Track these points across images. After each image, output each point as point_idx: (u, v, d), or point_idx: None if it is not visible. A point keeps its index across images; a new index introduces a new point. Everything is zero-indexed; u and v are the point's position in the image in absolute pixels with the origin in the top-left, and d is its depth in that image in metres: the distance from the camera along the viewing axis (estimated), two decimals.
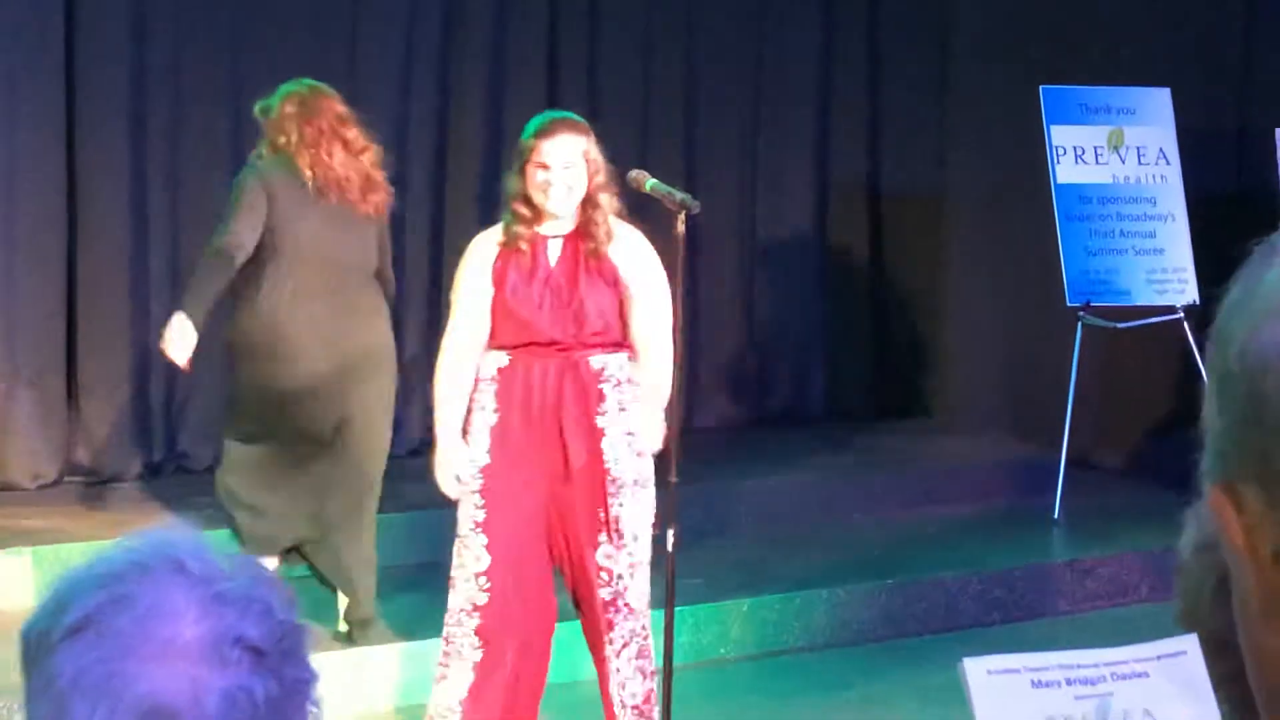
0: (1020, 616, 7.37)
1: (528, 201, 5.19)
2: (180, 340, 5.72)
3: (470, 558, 5.23)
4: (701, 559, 6.96)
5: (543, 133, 5.20)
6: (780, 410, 9.78)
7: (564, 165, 5.14)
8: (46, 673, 1.38)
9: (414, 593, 6.64)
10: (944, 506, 8.46)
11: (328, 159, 5.81)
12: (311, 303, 5.82)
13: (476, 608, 5.23)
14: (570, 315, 5.22)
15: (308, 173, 5.80)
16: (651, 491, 5.25)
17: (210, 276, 5.81)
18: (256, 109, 5.96)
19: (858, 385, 10.06)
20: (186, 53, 7.92)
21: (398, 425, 8.37)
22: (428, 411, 8.37)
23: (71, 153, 7.64)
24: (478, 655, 5.24)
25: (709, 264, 9.46)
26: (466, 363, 5.26)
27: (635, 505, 5.21)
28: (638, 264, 5.25)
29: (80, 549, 6.02)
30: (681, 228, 5.06)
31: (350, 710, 5.89)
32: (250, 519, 5.98)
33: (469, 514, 5.24)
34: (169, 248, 7.91)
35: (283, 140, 5.82)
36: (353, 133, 5.93)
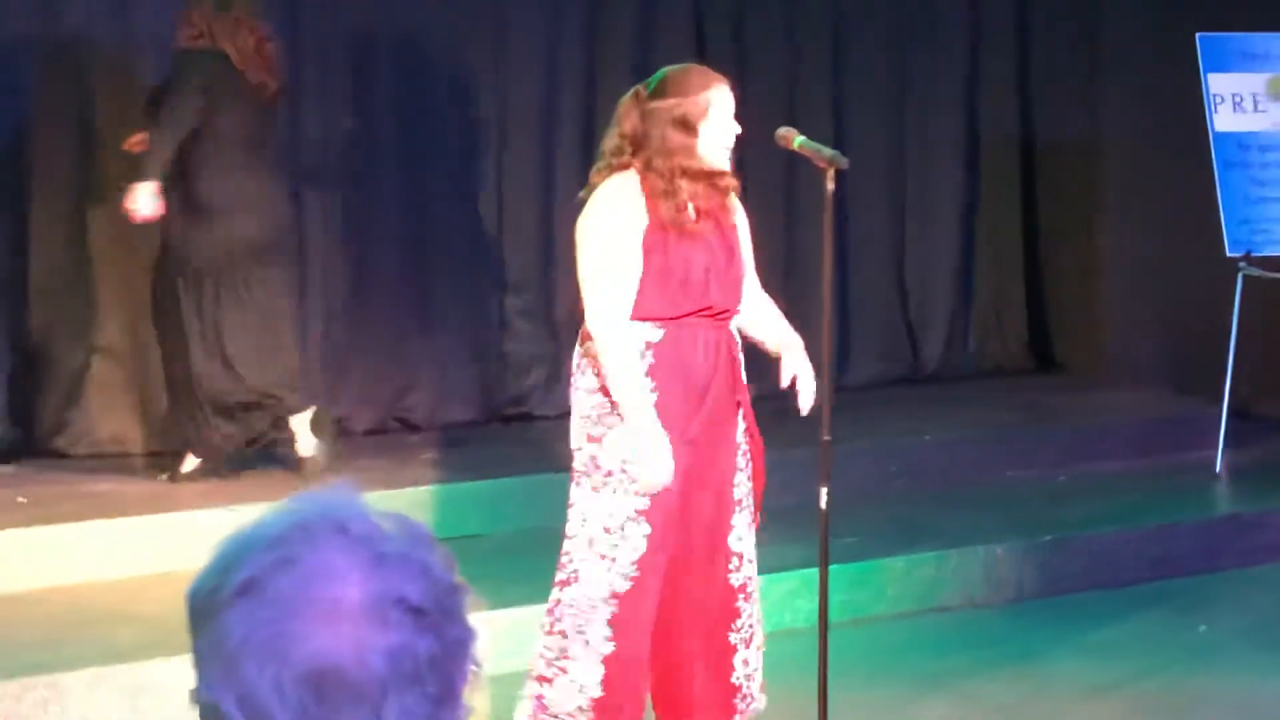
0: (1181, 572, 7.27)
1: (690, 159, 4.79)
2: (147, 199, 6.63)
3: (628, 548, 4.80)
4: (855, 517, 6.94)
5: (707, 82, 4.84)
6: (933, 367, 9.72)
7: (733, 114, 4.88)
8: (215, 634, 1.40)
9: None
10: (1102, 462, 8.37)
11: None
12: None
13: (615, 596, 4.81)
14: (731, 281, 4.91)
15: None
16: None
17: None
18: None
19: (1012, 340, 9.97)
20: (336, 15, 8.00)
21: (550, 386, 8.51)
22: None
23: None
24: (609, 648, 4.83)
25: (859, 220, 9.40)
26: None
27: (756, 483, 5.01)
28: (742, 219, 5.04)
29: (240, 511, 6.12)
30: (831, 185, 4.96)
31: (491, 670, 5.91)
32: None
33: (629, 502, 4.79)
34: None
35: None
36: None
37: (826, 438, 5.01)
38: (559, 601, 4.90)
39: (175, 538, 6.47)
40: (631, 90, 4.95)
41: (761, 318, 5.11)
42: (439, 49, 8.22)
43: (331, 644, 1.38)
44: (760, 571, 5.13)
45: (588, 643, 4.83)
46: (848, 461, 6.79)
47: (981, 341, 9.90)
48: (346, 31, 8.02)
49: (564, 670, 4.86)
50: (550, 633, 4.91)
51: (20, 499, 6.81)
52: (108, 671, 5.48)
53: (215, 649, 1.40)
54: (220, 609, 1.40)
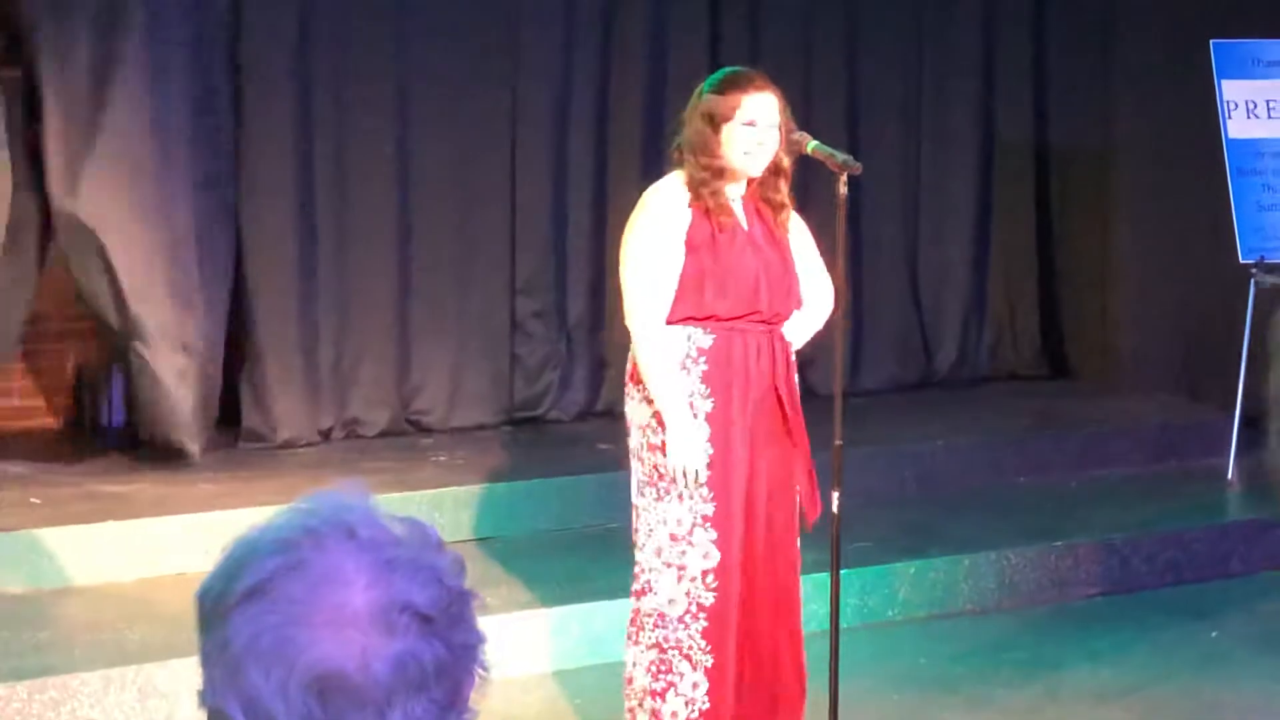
0: (1193, 579, 7.27)
1: (721, 160, 4.86)
2: None
3: (696, 555, 4.84)
4: (868, 522, 6.93)
5: (745, 86, 4.90)
6: (946, 371, 9.71)
7: (769, 124, 4.88)
8: (221, 636, 1.41)
9: (570, 557, 6.71)
10: (1114, 468, 8.37)
11: None
12: None
13: (703, 609, 4.86)
14: (785, 287, 4.95)
15: None
16: None
17: None
18: None
19: (1025, 346, 9.96)
20: (348, 15, 8.00)
21: (563, 389, 8.51)
22: (594, 372, 8.54)
23: (239, 115, 7.73)
24: (709, 660, 4.88)
25: (873, 225, 9.40)
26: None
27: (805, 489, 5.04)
28: (800, 227, 5.11)
29: (248, 515, 6.14)
30: (844, 189, 4.99)
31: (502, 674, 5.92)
32: None
33: (694, 508, 4.83)
34: (334, 214, 8.01)
35: None
36: None
37: (839, 442, 5.02)
38: (638, 611, 4.95)
39: (186, 539, 6.49)
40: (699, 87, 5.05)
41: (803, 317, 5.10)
42: (451, 49, 8.21)
43: (337, 650, 1.38)
44: None
45: (689, 657, 4.88)
46: (860, 466, 6.79)
47: (995, 347, 9.89)
48: (357, 31, 8.01)
49: (673, 685, 4.91)
50: (641, 645, 4.95)
51: (33, 500, 6.82)
52: (118, 673, 5.49)
53: (221, 652, 1.40)
54: (227, 612, 1.41)
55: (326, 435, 8.02)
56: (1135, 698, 5.99)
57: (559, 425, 8.47)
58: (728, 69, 5.13)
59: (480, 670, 1.45)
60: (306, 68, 7.90)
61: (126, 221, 7.13)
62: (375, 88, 8.08)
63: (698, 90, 5.02)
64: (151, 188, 7.21)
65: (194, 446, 7.41)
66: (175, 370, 7.28)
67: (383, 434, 8.16)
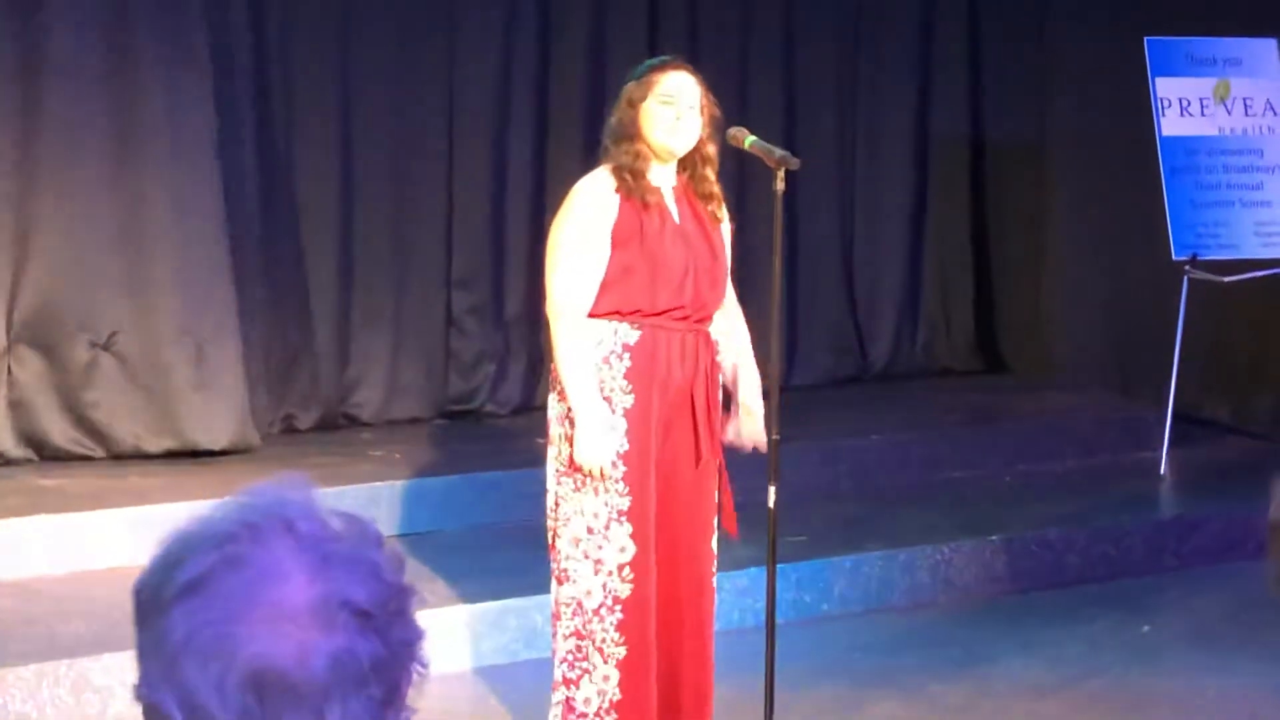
0: (1127, 573, 7.32)
1: (641, 143, 4.85)
2: None
3: (612, 549, 4.83)
4: (803, 517, 6.95)
5: (661, 67, 4.93)
6: (881, 367, 9.75)
7: (689, 105, 4.86)
8: (158, 631, 1.40)
9: (491, 552, 6.70)
10: (1048, 463, 8.42)
11: None
12: None
13: (619, 601, 4.84)
14: (712, 280, 4.93)
15: None
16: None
17: None
18: None
19: (960, 341, 10.02)
20: (292, 43, 7.98)
21: (498, 384, 8.51)
22: (531, 367, 8.53)
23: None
24: (621, 653, 4.86)
25: (808, 220, 9.43)
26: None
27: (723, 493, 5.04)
28: (727, 223, 5.08)
29: (183, 509, 6.10)
30: (781, 185, 4.98)
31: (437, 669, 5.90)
32: None
33: (609, 502, 4.83)
34: (279, 203, 7.98)
35: None
36: None
37: (775, 436, 5.03)
38: (558, 601, 4.94)
39: (122, 533, 6.44)
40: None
41: (730, 346, 5.09)
42: (389, 42, 8.20)
43: (274, 646, 1.37)
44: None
45: (601, 649, 4.88)
46: (796, 461, 6.80)
47: (929, 342, 9.94)
48: (297, 26, 7.98)
49: (587, 672, 4.90)
50: (560, 634, 4.94)
51: None
52: (52, 667, 5.44)
53: (157, 647, 1.39)
54: (164, 606, 1.39)
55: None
56: (1068, 691, 6.02)
57: (495, 419, 8.46)
58: (655, 58, 5.14)
59: (419, 667, 1.45)
60: (250, 62, 7.86)
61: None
62: (314, 82, 8.05)
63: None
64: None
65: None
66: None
67: (317, 428, 8.13)
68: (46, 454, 7.36)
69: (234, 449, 7.47)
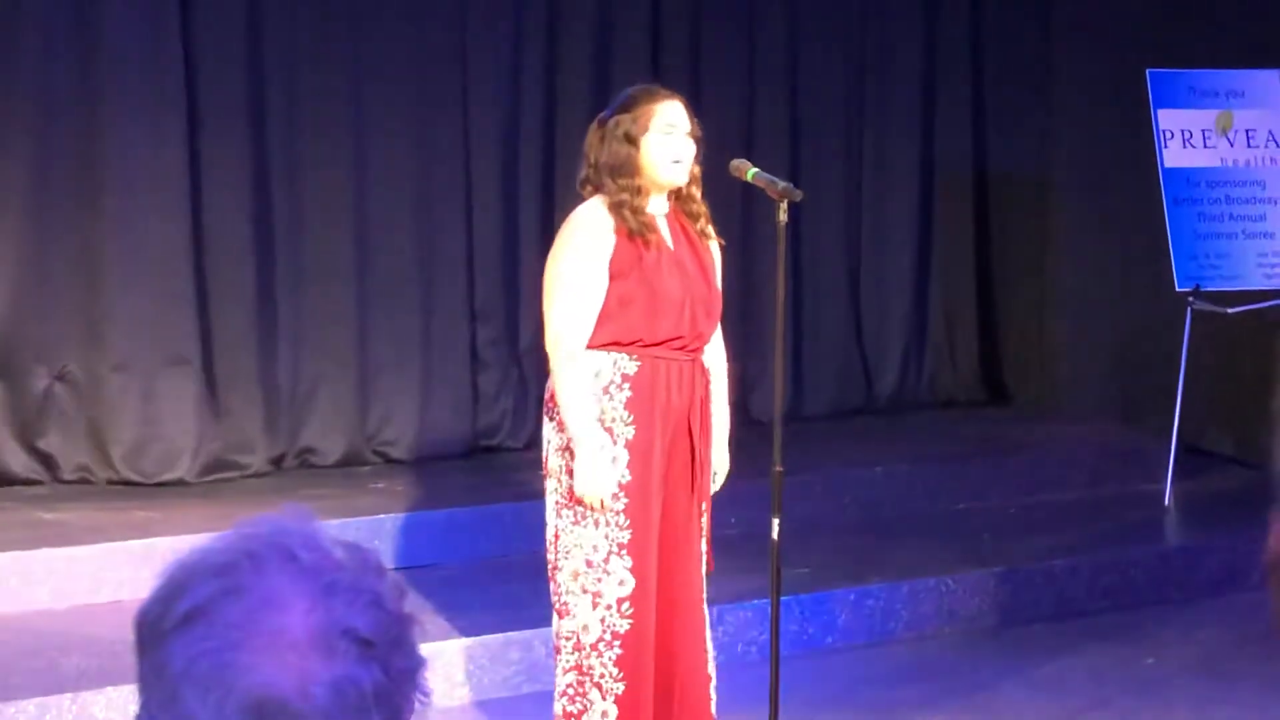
0: (1131, 604, 7.30)
1: (641, 178, 4.84)
2: None
3: (612, 583, 4.82)
4: (807, 548, 6.95)
5: (653, 96, 4.88)
6: (886, 397, 9.75)
7: (686, 131, 4.85)
8: (158, 660, 1.40)
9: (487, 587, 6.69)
10: (1053, 493, 8.41)
11: None
12: None
13: (617, 636, 4.83)
14: (708, 308, 4.93)
15: None
16: None
17: None
18: None
19: (965, 372, 10.01)
20: (302, 47, 8.00)
21: (511, 417, 8.49)
22: (538, 403, 8.52)
23: (195, 149, 7.73)
24: (620, 688, 4.84)
25: (815, 252, 9.44)
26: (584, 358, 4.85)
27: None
28: (715, 244, 5.07)
29: (191, 540, 6.10)
30: (784, 217, 4.99)
31: (441, 701, 5.89)
32: None
33: (610, 535, 4.81)
34: (293, 238, 8.00)
35: None
36: None
37: (779, 468, 5.02)
38: (559, 634, 4.93)
39: (124, 566, 6.44)
40: (596, 119, 5.00)
41: (711, 392, 5.06)
42: (400, 79, 8.22)
43: (275, 675, 1.37)
44: (711, 602, 5.15)
45: (600, 685, 4.86)
46: (800, 492, 6.80)
47: (935, 373, 9.93)
48: (309, 60, 8.01)
49: (585, 710, 4.89)
50: (560, 668, 4.93)
51: None
52: (55, 701, 5.44)
53: (158, 676, 1.39)
54: (165, 636, 1.39)
55: (278, 463, 8.00)
56: None
57: (509, 453, 8.45)
58: (626, 91, 5.06)
59: (420, 696, 1.44)
60: (261, 101, 7.89)
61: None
62: (330, 114, 8.07)
63: (596, 121, 4.97)
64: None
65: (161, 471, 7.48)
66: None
67: (339, 463, 8.13)
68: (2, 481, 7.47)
69: (177, 482, 7.53)
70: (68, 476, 7.56)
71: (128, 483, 7.53)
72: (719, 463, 5.08)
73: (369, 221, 8.20)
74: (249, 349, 7.88)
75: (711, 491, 5.05)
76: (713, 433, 5.04)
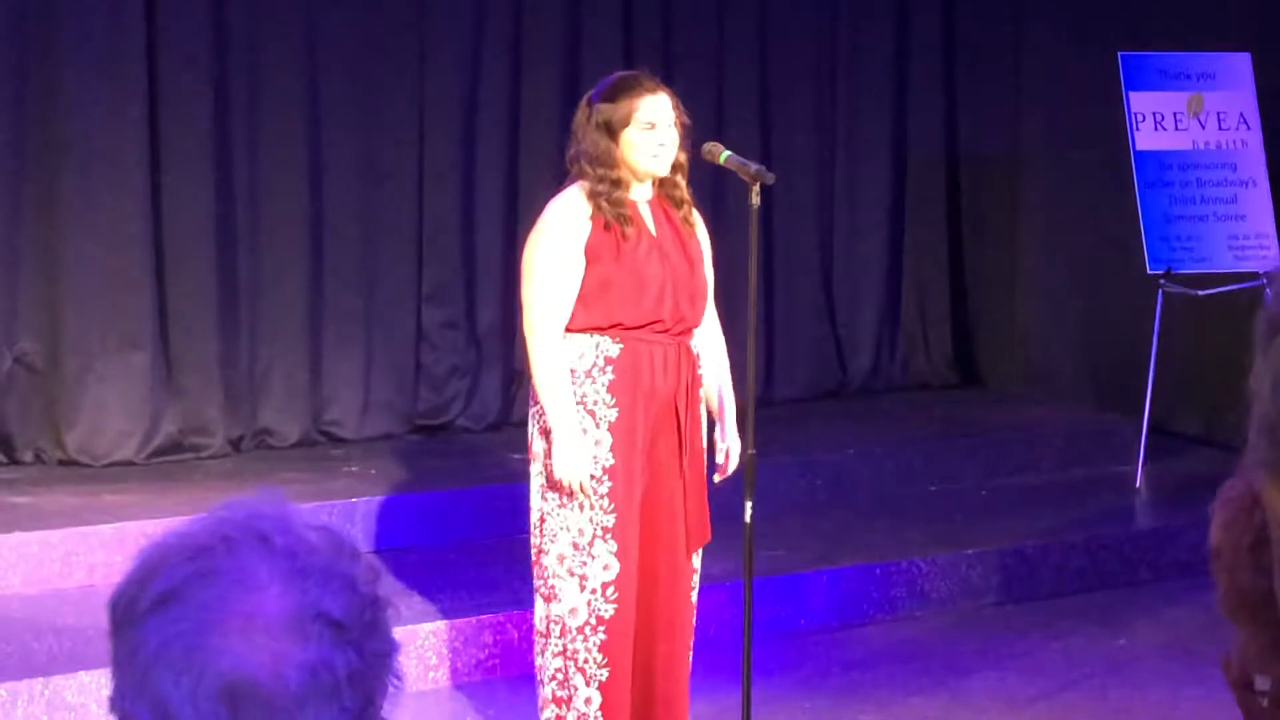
0: (1102, 585, 7.33)
1: (619, 167, 4.85)
2: None
3: (596, 567, 4.82)
4: (779, 530, 6.96)
5: (638, 90, 4.88)
6: (858, 380, 9.76)
7: (668, 124, 4.86)
8: (131, 642, 1.40)
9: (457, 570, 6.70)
10: (1024, 476, 8.43)
11: None
12: None
13: (602, 621, 4.85)
14: (691, 293, 4.94)
15: None
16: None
17: None
18: None
19: (937, 355, 10.02)
20: (261, 26, 7.97)
21: (470, 398, 8.48)
22: (506, 382, 8.52)
23: (155, 132, 7.70)
24: (604, 675, 4.86)
25: (786, 235, 9.43)
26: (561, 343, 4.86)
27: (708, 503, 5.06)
28: (703, 230, 5.10)
29: (163, 525, 6.09)
30: (756, 199, 4.99)
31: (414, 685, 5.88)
32: None
33: (594, 518, 4.82)
34: (250, 217, 7.98)
35: None
36: None
37: (751, 451, 5.04)
38: (545, 618, 4.92)
39: (95, 551, 6.43)
40: (585, 97, 5.03)
41: (710, 370, 5.09)
42: (357, 54, 8.17)
43: (248, 657, 1.37)
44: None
45: (584, 670, 4.87)
46: (772, 474, 6.81)
47: (907, 356, 9.94)
48: (262, 34, 7.97)
49: (573, 694, 4.89)
50: (548, 653, 4.93)
51: None
52: (26, 685, 5.42)
53: (131, 659, 1.39)
54: (138, 618, 1.39)
55: (236, 445, 7.98)
56: (1044, 704, 6.03)
57: (469, 435, 8.44)
58: (614, 75, 5.09)
59: (393, 679, 1.44)
60: (223, 83, 7.86)
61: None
62: (285, 93, 8.04)
63: (585, 99, 5.00)
64: None
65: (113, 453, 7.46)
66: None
67: (295, 444, 8.11)
68: None
69: (129, 463, 7.52)
70: (24, 459, 7.54)
71: (88, 465, 7.50)
72: (731, 441, 5.08)
73: (322, 200, 8.17)
74: (207, 330, 7.84)
75: (729, 471, 5.07)
76: (721, 414, 5.06)
